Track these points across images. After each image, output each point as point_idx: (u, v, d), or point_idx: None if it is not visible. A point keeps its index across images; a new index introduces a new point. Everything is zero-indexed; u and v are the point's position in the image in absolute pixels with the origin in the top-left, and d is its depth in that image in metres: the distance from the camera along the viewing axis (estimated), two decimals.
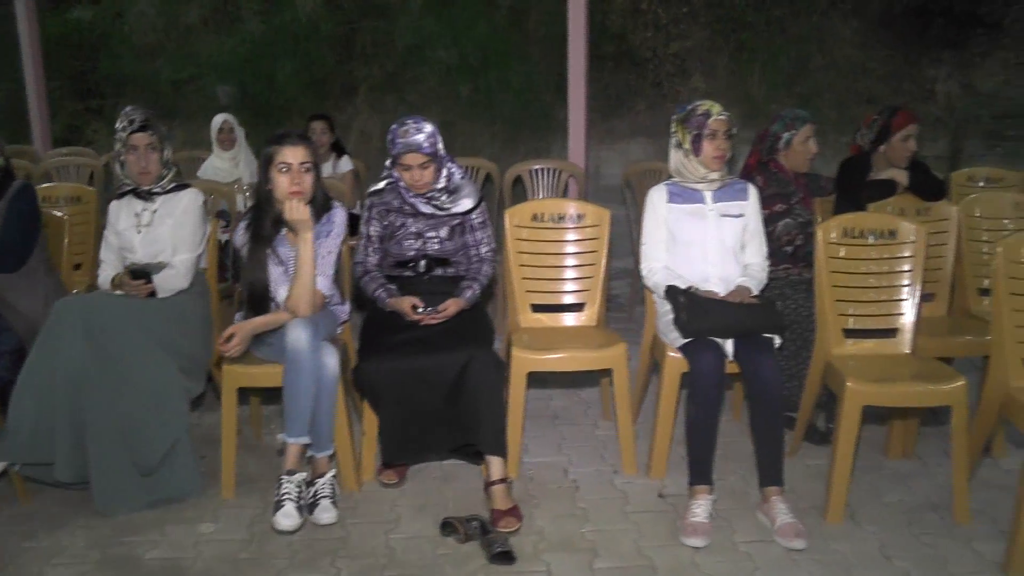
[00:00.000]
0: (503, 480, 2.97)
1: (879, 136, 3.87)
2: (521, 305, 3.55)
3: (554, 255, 3.58)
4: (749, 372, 2.95)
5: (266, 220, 3.11)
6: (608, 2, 6.21)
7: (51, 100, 6.56)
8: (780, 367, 3.33)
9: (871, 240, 3.24)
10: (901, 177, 3.82)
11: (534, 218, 3.59)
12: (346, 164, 5.40)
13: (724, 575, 2.66)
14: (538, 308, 3.59)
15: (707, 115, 3.16)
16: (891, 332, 3.28)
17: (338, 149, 5.41)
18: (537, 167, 5.33)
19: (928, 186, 3.83)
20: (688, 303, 3.03)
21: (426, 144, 3.19)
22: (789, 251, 3.60)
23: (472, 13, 6.07)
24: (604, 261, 3.55)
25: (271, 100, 6.27)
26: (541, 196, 5.28)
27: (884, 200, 3.79)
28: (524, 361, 3.21)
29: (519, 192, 5.37)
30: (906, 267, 3.25)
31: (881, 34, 6.63)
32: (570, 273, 3.58)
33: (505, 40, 6.15)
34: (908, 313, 3.25)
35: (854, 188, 3.86)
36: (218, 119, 5.47)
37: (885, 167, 3.88)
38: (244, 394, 3.66)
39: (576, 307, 3.58)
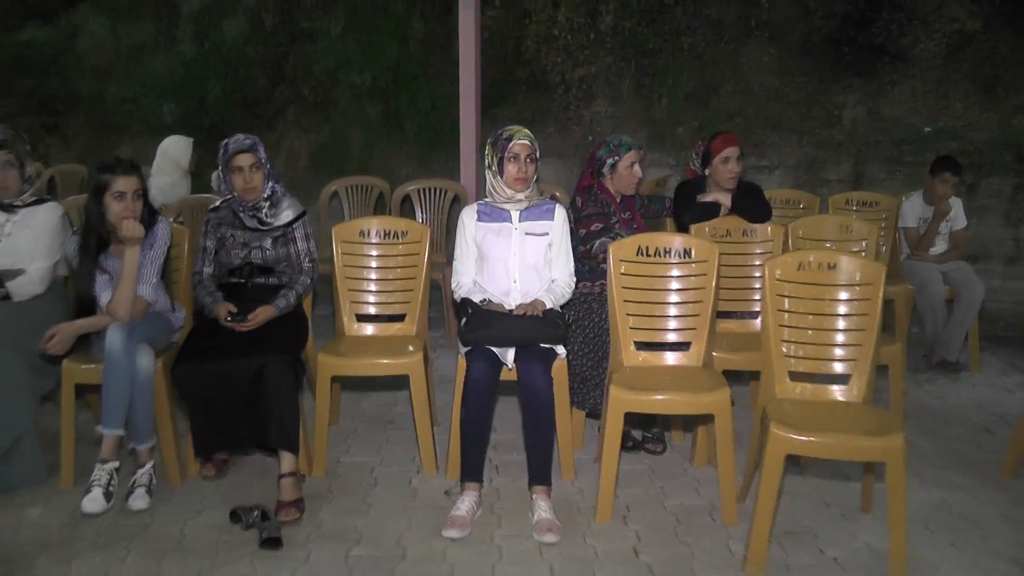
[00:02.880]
0: (292, 474, 3.20)
1: (704, 160, 4.06)
2: (347, 315, 3.79)
3: (378, 268, 3.82)
4: (522, 379, 3.15)
5: (94, 238, 3.38)
6: (523, 28, 6.45)
7: (7, 116, 6.98)
8: (575, 374, 3.58)
9: (647, 258, 3.42)
10: (724, 199, 4.00)
11: (361, 234, 3.82)
12: None
13: (467, 564, 2.86)
14: (363, 318, 3.82)
15: (510, 139, 3.37)
16: (686, 345, 3.47)
17: None
18: (421, 187, 5.57)
19: (751, 209, 4.00)
20: (472, 314, 3.24)
21: (256, 149, 3.49)
22: (605, 268, 3.78)
23: (386, 37, 6.35)
24: (424, 275, 3.77)
25: (202, 120, 6.58)
26: (423, 216, 5.51)
27: (707, 221, 3.98)
28: (327, 366, 3.45)
29: (407, 210, 5.61)
30: (695, 285, 3.43)
31: (799, 61, 6.80)
32: (394, 286, 3.80)
33: (416, 63, 6.42)
34: (700, 328, 3.43)
35: (681, 210, 4.06)
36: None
37: (717, 190, 4.06)
38: None
39: (398, 318, 3.81)
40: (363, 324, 3.83)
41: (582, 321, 3.66)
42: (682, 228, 4.04)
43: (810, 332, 3.11)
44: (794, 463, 3.60)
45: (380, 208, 5.70)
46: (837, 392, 3.12)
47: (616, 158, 3.79)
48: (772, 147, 6.50)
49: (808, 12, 6.92)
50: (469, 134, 5.43)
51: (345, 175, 5.97)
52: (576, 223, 3.75)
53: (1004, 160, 6.34)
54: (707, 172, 4.07)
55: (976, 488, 3.53)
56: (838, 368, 3.12)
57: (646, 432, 3.81)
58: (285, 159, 6.68)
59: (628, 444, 3.79)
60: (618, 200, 3.87)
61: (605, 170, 3.81)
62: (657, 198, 4.29)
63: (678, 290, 3.44)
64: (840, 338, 3.11)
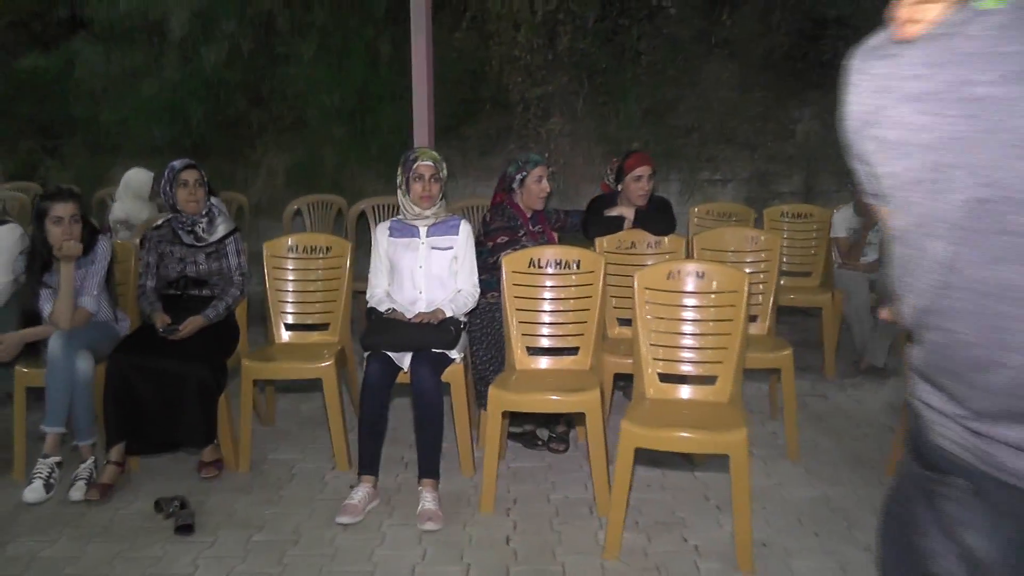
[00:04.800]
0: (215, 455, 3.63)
1: (617, 176, 4.33)
2: (276, 323, 4.13)
3: (304, 281, 4.16)
4: (413, 382, 3.46)
5: (38, 258, 3.77)
6: (487, 50, 6.78)
7: (8, 139, 7.50)
8: (481, 377, 3.88)
9: (538, 269, 3.72)
10: (628, 214, 4.28)
11: (289, 249, 4.17)
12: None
13: (350, 548, 3.17)
14: (292, 327, 4.16)
15: (415, 160, 3.70)
16: (575, 350, 3.75)
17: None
18: (375, 204, 5.91)
19: (654, 223, 4.27)
20: (373, 322, 3.56)
21: (200, 168, 3.95)
22: None
23: (355, 60, 6.71)
24: (346, 286, 4.10)
25: (186, 141, 6.99)
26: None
27: (611, 233, 4.25)
28: (249, 370, 3.79)
29: (363, 225, 5.94)
30: (582, 294, 3.72)
31: (759, 77, 7.02)
32: (317, 297, 4.14)
33: (382, 85, 6.77)
34: (587, 333, 3.71)
35: (589, 223, 4.35)
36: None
37: (626, 204, 4.34)
38: None
39: (322, 327, 4.14)
40: (292, 332, 4.17)
41: (487, 328, 3.95)
42: (591, 240, 4.32)
43: (675, 336, 3.38)
44: (688, 460, 3.86)
45: (339, 224, 6.06)
46: (704, 392, 3.37)
47: (524, 173, 4.05)
48: (725, 161, 6.73)
49: (770, 29, 7.14)
50: None
51: (318, 192, 6.34)
52: (485, 236, 4.04)
53: None
54: (619, 188, 4.34)
55: (860, 484, 3.75)
56: (704, 370, 3.38)
57: (551, 432, 4.08)
58: (264, 177, 7.06)
59: (537, 444, 4.07)
60: (528, 215, 4.14)
61: (515, 186, 4.09)
62: (575, 212, 4.56)
63: (566, 299, 3.73)
64: (705, 342, 3.37)
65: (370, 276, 3.84)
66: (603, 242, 4.22)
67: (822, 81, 6.83)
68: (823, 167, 6.57)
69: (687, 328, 3.38)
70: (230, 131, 7.10)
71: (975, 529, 1.21)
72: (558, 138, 6.63)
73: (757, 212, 5.62)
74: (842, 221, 5.42)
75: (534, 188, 4.06)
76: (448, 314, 3.64)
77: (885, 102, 1.16)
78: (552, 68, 6.74)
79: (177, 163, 3.95)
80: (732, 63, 7.07)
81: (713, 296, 3.35)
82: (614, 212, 4.31)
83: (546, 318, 3.73)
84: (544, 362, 3.73)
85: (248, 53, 6.98)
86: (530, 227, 4.11)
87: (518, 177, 4.08)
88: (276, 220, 6.64)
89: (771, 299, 4.21)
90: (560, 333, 3.73)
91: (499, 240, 4.02)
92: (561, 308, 3.73)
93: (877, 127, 1.18)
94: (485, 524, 3.36)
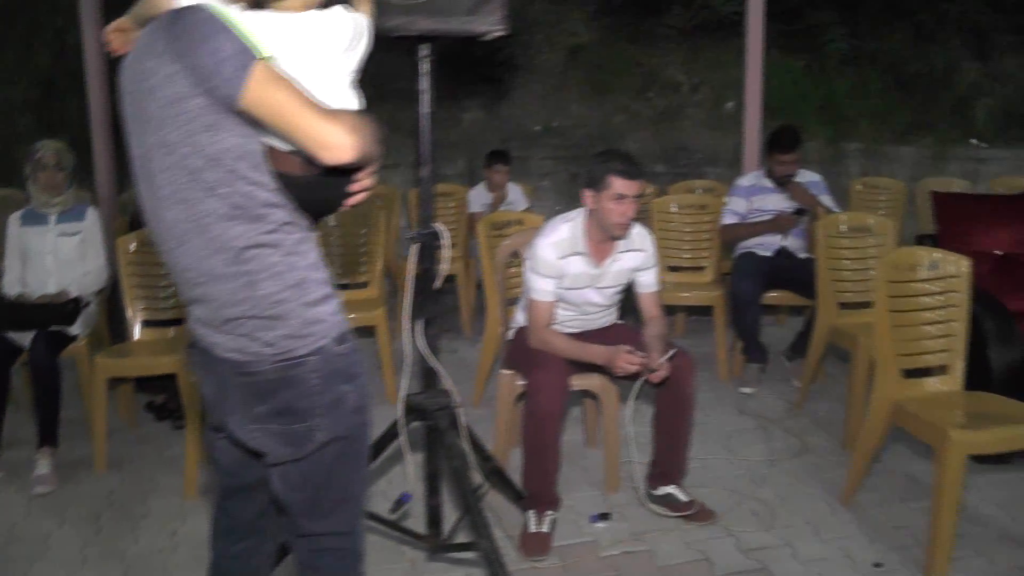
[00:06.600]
0: None
1: None
2: None
3: None
4: (31, 358, 3.86)
5: None
6: None
7: None
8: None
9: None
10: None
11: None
12: None
13: None
14: None
15: (39, 151, 4.16)
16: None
17: None
18: None
19: None
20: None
21: None
22: None
23: (42, 49, 6.82)
24: None
25: None
26: None
27: None
28: None
29: None
30: None
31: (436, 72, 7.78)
32: None
33: (71, 76, 6.91)
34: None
35: None
36: None
37: None
38: None
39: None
40: None
41: None
42: None
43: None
44: None
45: None
46: None
47: None
48: (394, 148, 7.44)
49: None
50: (101, 146, 6.02)
51: (12, 187, 6.45)
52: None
53: (598, 151, 7.57)
54: None
55: None
56: None
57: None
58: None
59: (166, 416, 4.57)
60: None
61: None
62: None
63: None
64: None
65: (5, 263, 4.22)
66: None
67: (493, 75, 7.73)
68: (484, 151, 7.44)
69: None
70: None
71: (203, 382, 1.93)
72: None
73: None
74: (476, 198, 6.25)
75: None
76: (74, 294, 4.11)
77: (121, 93, 1.76)
78: None
79: None
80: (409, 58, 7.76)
81: None
82: None
83: (164, 292, 4.24)
84: (161, 333, 4.25)
85: None
86: None
87: None
88: None
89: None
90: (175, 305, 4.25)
91: None
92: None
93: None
94: (95, 481, 3.85)
